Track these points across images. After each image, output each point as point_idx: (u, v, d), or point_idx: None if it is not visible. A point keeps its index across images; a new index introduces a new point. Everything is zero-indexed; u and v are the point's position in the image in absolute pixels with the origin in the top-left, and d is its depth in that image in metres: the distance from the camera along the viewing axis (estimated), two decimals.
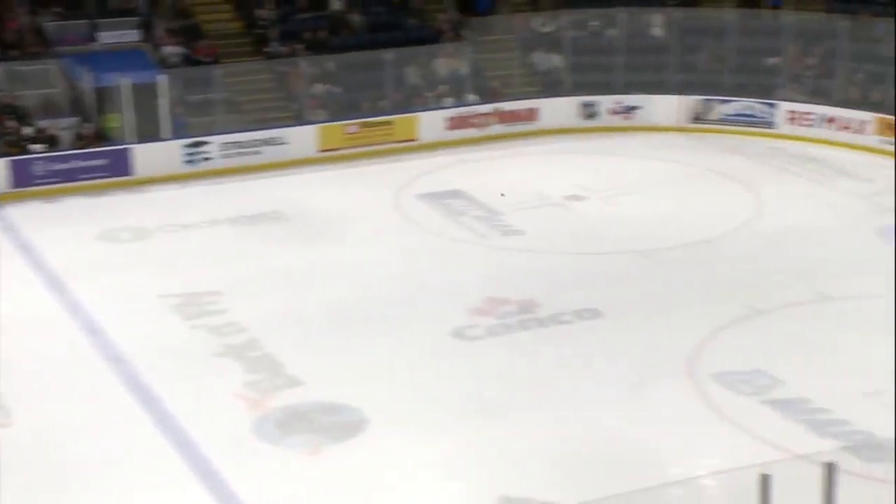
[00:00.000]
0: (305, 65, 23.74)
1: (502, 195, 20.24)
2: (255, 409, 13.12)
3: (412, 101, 24.36)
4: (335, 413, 13.02)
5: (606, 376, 13.81)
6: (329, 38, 24.81)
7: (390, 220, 19.66)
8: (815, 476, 8.69)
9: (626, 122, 24.59)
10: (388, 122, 23.58)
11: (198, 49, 23.84)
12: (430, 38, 25.38)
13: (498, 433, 12.58)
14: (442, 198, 20.55)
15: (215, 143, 22.22)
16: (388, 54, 23.80)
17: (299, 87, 23.75)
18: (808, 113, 23.44)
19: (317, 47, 24.45)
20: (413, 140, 23.65)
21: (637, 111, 24.59)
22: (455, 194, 20.70)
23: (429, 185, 21.34)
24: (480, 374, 14.02)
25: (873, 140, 22.58)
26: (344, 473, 11.88)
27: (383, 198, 20.70)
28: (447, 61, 24.94)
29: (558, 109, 24.58)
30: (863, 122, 22.72)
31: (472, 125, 24.11)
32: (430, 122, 23.84)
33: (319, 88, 23.92)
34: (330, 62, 24.01)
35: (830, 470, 8.52)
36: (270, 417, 12.94)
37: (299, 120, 23.46)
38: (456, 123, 24.00)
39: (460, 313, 15.52)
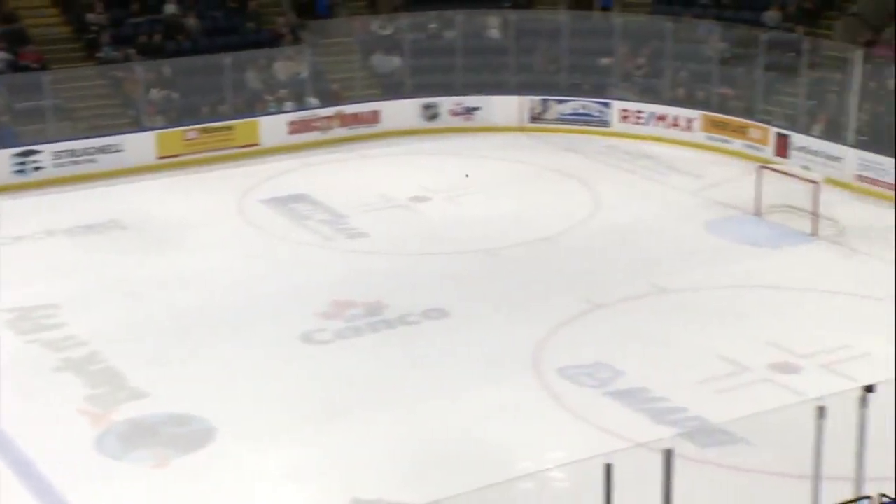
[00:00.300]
0: (141, 70, 23.17)
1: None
2: (98, 423, 12.77)
3: (253, 105, 24.09)
4: (182, 424, 12.79)
5: (455, 375, 14.00)
6: (164, 42, 24.29)
7: (233, 226, 19.41)
8: (655, 462, 9.06)
9: (467, 123, 24.95)
10: (228, 128, 23.25)
11: (23, 55, 22.96)
12: (268, 41, 25.15)
13: (349, 436, 12.62)
14: (286, 202, 20.41)
15: (47, 151, 21.47)
16: (227, 58, 23.47)
17: (135, 92, 23.17)
18: (640, 111, 24.28)
19: (151, 52, 23.88)
20: (255, 145, 23.39)
21: (477, 112, 24.97)
22: (299, 198, 20.60)
23: (272, 189, 21.16)
24: (330, 377, 14.01)
25: (701, 136, 23.56)
26: (193, 485, 11.69)
27: (226, 203, 20.42)
28: (287, 65, 24.77)
29: (400, 111, 24.74)
30: (690, 120, 23.68)
31: (315, 128, 24.02)
32: (272, 127, 23.63)
33: (156, 94, 23.39)
34: (166, 67, 23.51)
35: (668, 456, 8.91)
36: (113, 431, 12.62)
37: (136, 126, 22.90)
38: (298, 127, 23.87)
39: (308, 317, 15.48)
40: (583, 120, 24.71)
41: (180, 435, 12.59)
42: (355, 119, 24.45)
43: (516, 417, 13.00)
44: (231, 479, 11.81)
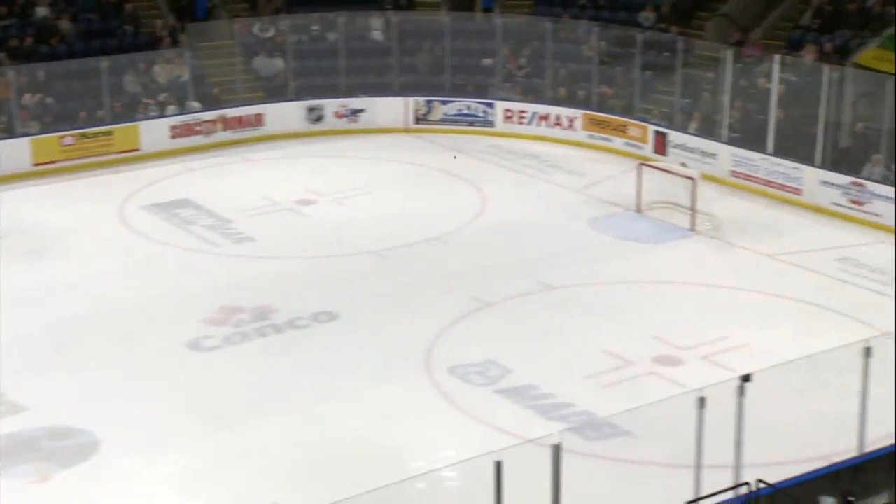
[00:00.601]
0: (12, 74, 22.47)
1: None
2: None
3: (132, 109, 23.58)
4: (64, 437, 12.47)
5: (346, 377, 13.99)
6: (36, 45, 23.59)
7: (115, 233, 19.00)
8: (544, 457, 9.22)
9: (353, 125, 24.91)
10: (107, 133, 22.74)
11: None
12: (146, 44, 24.67)
13: (239, 443, 12.49)
14: (169, 208, 20.06)
15: None
16: (104, 62, 22.94)
17: (7, 97, 22.45)
18: (523, 111, 24.59)
19: (23, 56, 23.19)
20: (135, 150, 22.92)
21: (362, 113, 24.96)
22: (182, 203, 20.27)
23: (155, 195, 20.77)
24: (219, 384, 13.84)
25: (582, 135, 23.99)
26: (77, 499, 11.42)
27: (107, 210, 19.97)
28: (167, 68, 24.33)
29: (284, 114, 24.57)
30: (572, 119, 24.09)
31: (197, 133, 23.67)
32: (153, 131, 23.19)
33: (30, 99, 22.72)
34: (40, 71, 22.85)
35: (556, 451, 9.08)
36: None
37: (9, 132, 22.21)
38: (180, 131, 23.48)
39: (194, 324, 15.26)
40: (467, 120, 24.92)
41: (62, 448, 12.28)
42: (238, 122, 24.19)
43: (408, 418, 13.05)
44: (117, 492, 11.56)
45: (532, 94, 25.09)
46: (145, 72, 24.09)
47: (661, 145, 22.46)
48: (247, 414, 13.09)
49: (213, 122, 23.88)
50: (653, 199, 19.71)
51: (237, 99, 24.64)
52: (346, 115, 24.93)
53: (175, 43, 24.85)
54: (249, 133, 24.22)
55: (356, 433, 12.67)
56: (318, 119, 24.82)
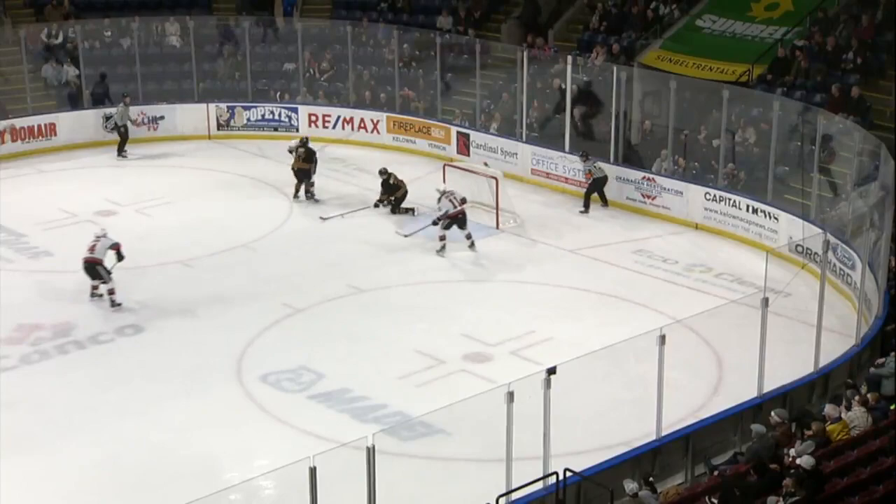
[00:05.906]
0: None
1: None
2: None
3: None
4: None
5: (154, 390, 13.70)
6: None
7: None
8: (359, 460, 9.33)
9: (152, 133, 24.29)
10: None
11: None
12: None
13: (45, 465, 12.06)
14: None
15: None
16: None
17: None
18: (327, 115, 24.60)
19: None
20: None
21: (162, 121, 24.38)
22: None
23: None
24: (17, 405, 13.31)
25: (387, 138, 24.20)
26: None
27: None
28: None
29: (78, 123, 23.75)
30: (376, 122, 24.26)
31: None
32: None
33: None
34: None
35: (370, 453, 9.21)
36: None
37: None
38: None
39: None
40: (271, 126, 24.72)
41: None
42: (30, 132, 23.23)
43: (220, 428, 12.90)
44: None
45: (335, 97, 25.12)
46: None
47: (463, 146, 22.92)
48: (49, 435, 12.63)
49: (1, 133, 22.82)
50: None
51: (27, 108, 23.62)
52: (146, 123, 24.29)
53: None
54: (42, 144, 23.30)
55: (167, 447, 12.44)
56: (116, 127, 24.05)
